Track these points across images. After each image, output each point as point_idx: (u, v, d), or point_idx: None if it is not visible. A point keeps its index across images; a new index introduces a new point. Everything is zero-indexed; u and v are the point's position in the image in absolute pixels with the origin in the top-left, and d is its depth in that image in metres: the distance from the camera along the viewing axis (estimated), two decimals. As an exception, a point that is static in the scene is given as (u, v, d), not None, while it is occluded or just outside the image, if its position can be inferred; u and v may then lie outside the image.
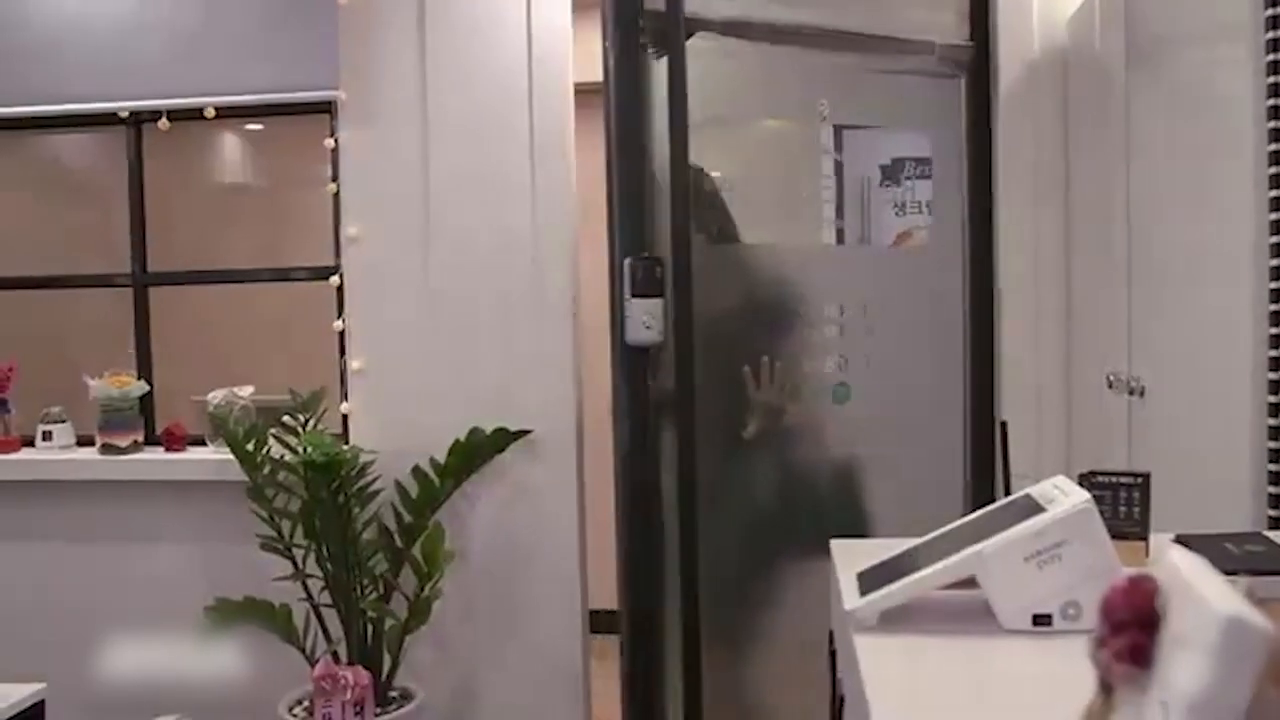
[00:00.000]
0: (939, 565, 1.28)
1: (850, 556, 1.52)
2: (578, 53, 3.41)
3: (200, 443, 3.62)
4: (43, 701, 2.32)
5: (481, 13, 3.38)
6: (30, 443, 3.72)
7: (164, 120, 3.58)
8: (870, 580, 1.36)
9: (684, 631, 2.68)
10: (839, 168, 3.21)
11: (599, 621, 3.60)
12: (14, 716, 2.18)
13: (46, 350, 3.84)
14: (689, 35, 2.69)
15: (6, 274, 3.87)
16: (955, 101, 3.10)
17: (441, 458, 3.27)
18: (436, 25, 3.40)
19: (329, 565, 3.18)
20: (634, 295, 2.58)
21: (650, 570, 2.69)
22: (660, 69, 2.67)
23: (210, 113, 3.52)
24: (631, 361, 2.61)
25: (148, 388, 3.67)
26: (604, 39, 2.69)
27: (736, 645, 3.08)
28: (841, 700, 1.47)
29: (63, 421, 3.71)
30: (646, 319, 2.52)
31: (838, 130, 3.16)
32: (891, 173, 3.24)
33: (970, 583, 1.29)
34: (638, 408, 2.62)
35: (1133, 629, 0.74)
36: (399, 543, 3.25)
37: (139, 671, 3.50)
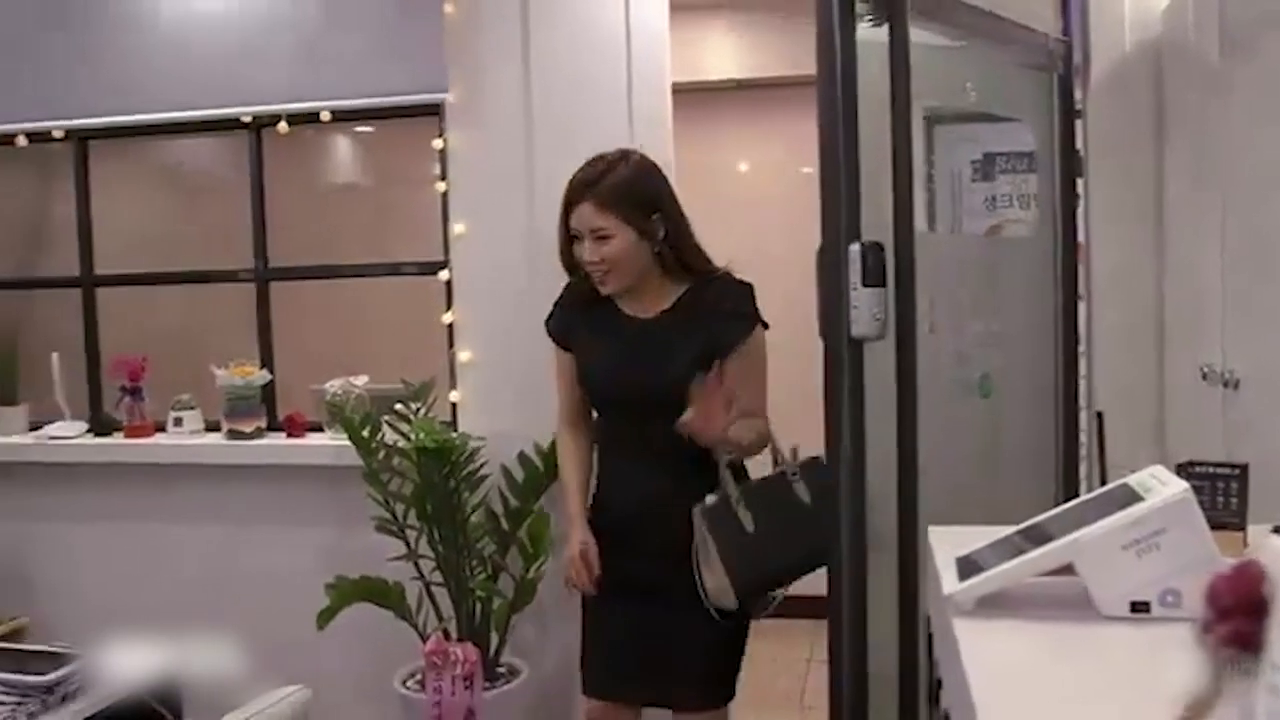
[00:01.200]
0: (1037, 552, 1.27)
1: (948, 542, 1.52)
2: (674, 53, 3.42)
3: (319, 429, 3.70)
4: (179, 671, 2.40)
5: (582, 15, 3.40)
6: (162, 428, 3.84)
7: (283, 124, 3.67)
8: (969, 565, 1.35)
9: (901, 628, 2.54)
10: (930, 158, 3.18)
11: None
12: (152, 684, 2.26)
13: (176, 342, 3.96)
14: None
15: (140, 270, 4.01)
16: (1046, 95, 3.05)
17: (546, 445, 3.31)
18: (539, 28, 3.43)
19: (440, 546, 3.24)
20: (865, 285, 2.23)
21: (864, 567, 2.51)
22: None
23: (326, 116, 3.60)
24: (854, 356, 2.26)
25: (270, 377, 3.76)
26: (818, 12, 2.25)
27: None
28: (939, 683, 1.47)
29: (192, 408, 3.82)
30: (877, 310, 2.22)
31: (929, 122, 3.14)
32: (984, 166, 3.20)
33: (1068, 570, 1.28)
34: (857, 405, 2.28)
35: (1239, 615, 0.73)
36: (506, 526, 3.29)
37: (261, 645, 3.59)
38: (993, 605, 1.29)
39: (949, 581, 1.33)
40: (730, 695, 2.58)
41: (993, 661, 1.15)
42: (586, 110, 3.39)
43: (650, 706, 2.66)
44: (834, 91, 2.23)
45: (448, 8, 3.43)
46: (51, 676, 2.06)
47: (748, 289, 2.52)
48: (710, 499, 2.41)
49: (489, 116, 3.47)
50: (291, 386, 3.81)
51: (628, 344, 2.53)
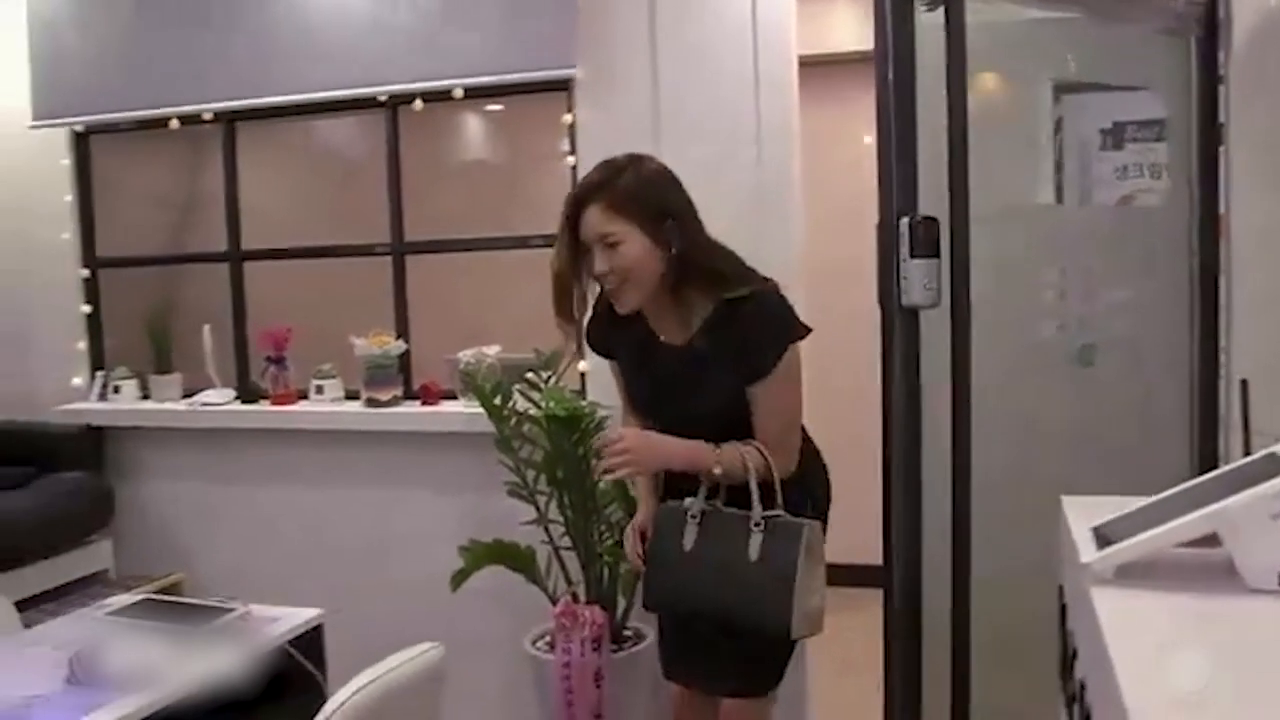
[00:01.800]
0: (1181, 520, 1.23)
1: (1083, 512, 1.47)
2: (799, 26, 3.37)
3: (453, 397, 3.76)
4: (321, 625, 2.47)
5: (709, -11, 3.38)
6: (305, 396, 3.96)
7: (418, 102, 3.73)
8: (1107, 534, 1.31)
9: (954, 594, 2.54)
10: (1059, 128, 3.09)
11: (850, 575, 3.53)
12: (297, 638, 2.33)
13: (318, 313, 4.05)
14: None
15: (283, 245, 4.12)
16: (1183, 62, 2.92)
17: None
18: (666, 3, 3.41)
19: (569, 512, 3.26)
20: (913, 256, 2.35)
21: (918, 534, 2.55)
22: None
23: (459, 94, 3.64)
24: (907, 324, 2.38)
25: (405, 347, 3.84)
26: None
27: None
28: (1074, 653, 1.43)
29: (332, 377, 3.92)
30: (928, 281, 2.33)
31: (1057, 90, 3.04)
32: (1114, 135, 3.09)
33: (1211, 541, 1.23)
34: (911, 372, 2.46)
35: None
36: (633, 492, 3.30)
37: (397, 604, 3.68)
38: (1133, 575, 1.25)
39: (1087, 550, 1.29)
40: (770, 685, 2.45)
41: (1134, 633, 1.12)
42: (713, 84, 3.37)
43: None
44: (888, 71, 2.33)
45: (577, -17, 3.44)
46: (206, 628, 2.13)
47: (781, 312, 2.31)
48: (684, 502, 2.32)
49: (616, 92, 3.47)
50: (427, 356, 3.88)
51: (664, 374, 2.38)
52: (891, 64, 2.28)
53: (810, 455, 2.44)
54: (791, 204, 3.39)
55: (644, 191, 2.25)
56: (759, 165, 3.35)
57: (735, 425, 2.28)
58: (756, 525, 2.21)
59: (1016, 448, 3.04)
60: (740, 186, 3.33)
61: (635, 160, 2.30)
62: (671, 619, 2.52)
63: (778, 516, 2.22)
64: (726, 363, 2.27)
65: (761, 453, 2.25)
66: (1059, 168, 3.05)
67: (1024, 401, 3.12)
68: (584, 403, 3.35)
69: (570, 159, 3.55)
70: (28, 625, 2.64)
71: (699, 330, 2.31)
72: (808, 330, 2.32)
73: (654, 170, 2.31)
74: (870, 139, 5.10)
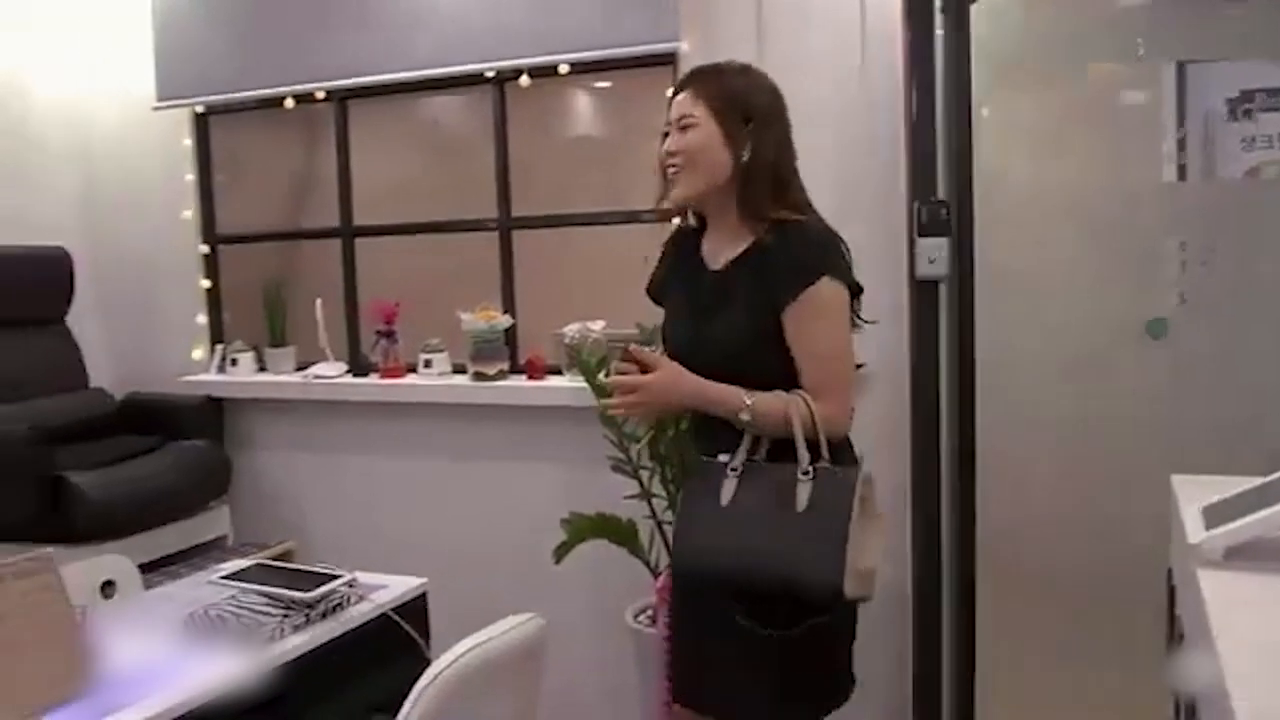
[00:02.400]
0: (1296, 501, 1.16)
1: (1193, 492, 1.41)
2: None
3: (558, 372, 3.78)
4: (425, 594, 2.50)
5: (814, -39, 3.31)
6: (413, 369, 4.01)
7: (524, 78, 3.74)
8: (1216, 515, 1.26)
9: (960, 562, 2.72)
10: (1182, 102, 3.00)
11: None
12: (402, 605, 2.36)
13: (427, 288, 4.10)
14: None
15: (393, 221, 4.18)
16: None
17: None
18: (771, -25, 3.36)
19: (672, 486, 3.25)
20: (921, 235, 2.69)
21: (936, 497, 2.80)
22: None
23: (564, 69, 3.64)
24: (920, 294, 2.76)
25: (512, 321, 3.86)
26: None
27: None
28: (1181, 637, 1.37)
29: (440, 351, 3.97)
30: (933, 256, 2.64)
31: (1181, 65, 2.99)
32: (1240, 103, 2.98)
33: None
34: (925, 336, 2.78)
35: None
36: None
37: (501, 575, 3.71)
38: (1243, 556, 1.19)
39: (1195, 531, 1.24)
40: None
41: (1242, 614, 1.07)
42: (817, 57, 3.30)
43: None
44: (912, 75, 2.79)
45: (680, -43, 3.40)
46: (313, 594, 2.17)
47: (821, 242, 2.11)
48: (719, 458, 2.10)
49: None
50: (532, 331, 3.90)
51: (692, 301, 2.23)
52: (909, 63, 2.66)
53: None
54: (899, 172, 3.30)
55: (734, 89, 2.15)
56: (864, 141, 3.27)
57: (743, 365, 2.09)
58: (804, 474, 2.00)
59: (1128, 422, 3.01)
60: (845, 165, 3.26)
61: (748, 67, 2.21)
62: (696, 624, 2.25)
63: (828, 467, 2.02)
64: (748, 292, 2.12)
65: (808, 404, 2.03)
66: (1181, 146, 3.03)
67: (1135, 374, 3.09)
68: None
69: (674, 133, 3.53)
70: (149, 587, 2.73)
71: (741, 254, 2.16)
72: (851, 278, 2.12)
73: (761, 81, 2.20)
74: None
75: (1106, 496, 3.16)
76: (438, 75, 3.81)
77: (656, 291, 2.44)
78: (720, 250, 2.21)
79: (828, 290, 2.06)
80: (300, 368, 4.23)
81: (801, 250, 2.08)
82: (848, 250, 2.14)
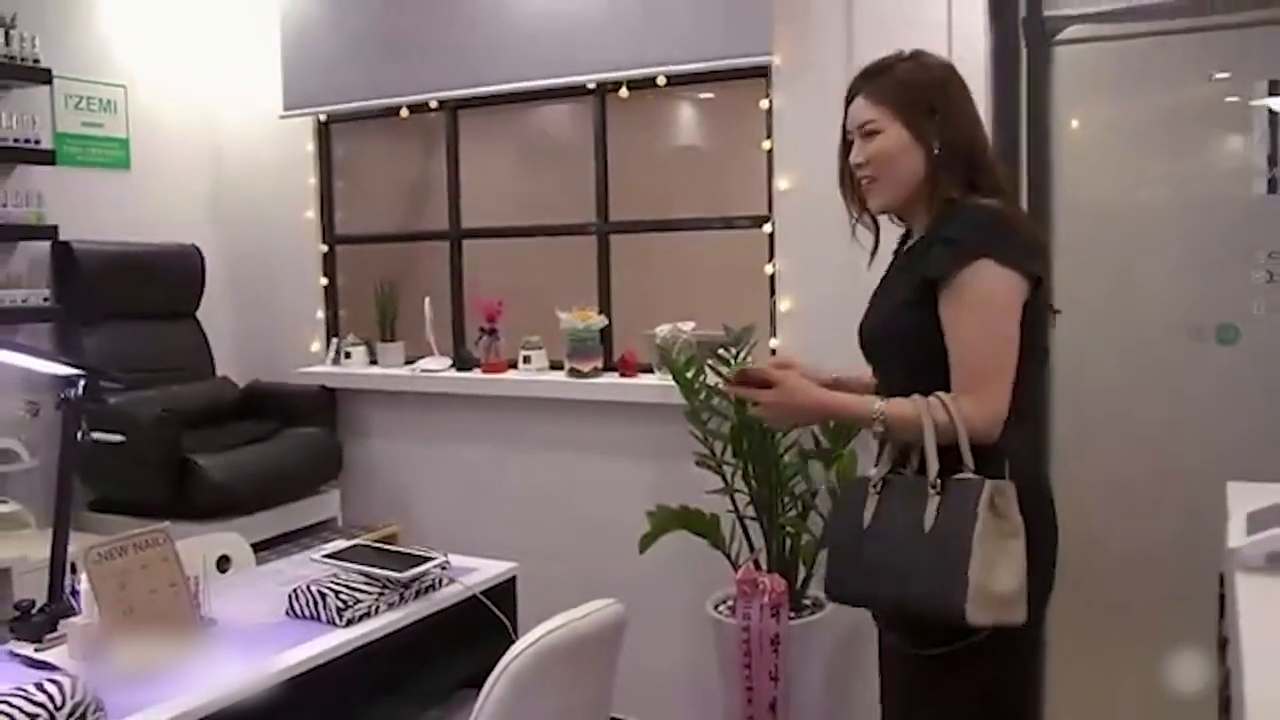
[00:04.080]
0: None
1: (1246, 497, 1.35)
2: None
3: (649, 370, 3.77)
4: (514, 578, 2.51)
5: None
6: (514, 365, 4.04)
7: (624, 90, 3.74)
8: (1261, 520, 1.19)
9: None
10: (1274, 118, 2.94)
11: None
12: (491, 588, 2.38)
13: (528, 288, 4.12)
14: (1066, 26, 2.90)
15: (498, 225, 4.21)
16: None
17: (858, 391, 3.23)
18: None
19: (754, 482, 3.23)
20: None
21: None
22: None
23: (661, 81, 3.64)
24: None
25: (607, 321, 3.87)
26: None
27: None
28: (1225, 642, 1.31)
29: (539, 348, 3.99)
30: None
31: (1273, 83, 2.95)
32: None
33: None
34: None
35: None
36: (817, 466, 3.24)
37: (588, 562, 3.72)
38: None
39: (1237, 535, 1.18)
40: None
41: (1273, 622, 1.00)
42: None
43: None
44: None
45: (773, -29, 3.37)
46: (407, 574, 2.19)
47: (983, 221, 1.85)
48: (869, 472, 1.89)
49: (813, 76, 3.38)
50: (627, 330, 3.90)
51: (878, 291, 2.06)
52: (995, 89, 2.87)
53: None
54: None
55: (912, 83, 1.95)
56: None
57: (907, 355, 1.90)
58: (932, 488, 1.75)
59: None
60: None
61: (917, 54, 2.01)
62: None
63: (961, 478, 1.74)
64: (909, 277, 1.92)
65: (946, 407, 1.77)
66: (1272, 161, 2.98)
67: (1203, 379, 2.99)
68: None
69: (766, 142, 3.50)
70: (261, 564, 2.80)
71: (914, 243, 1.99)
72: (1028, 264, 1.82)
73: (932, 64, 1.99)
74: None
75: (1176, 498, 3.07)
76: (542, 87, 3.83)
77: None
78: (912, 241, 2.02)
79: (988, 274, 1.79)
80: (408, 361, 4.29)
81: (960, 229, 1.84)
82: (1031, 234, 1.91)
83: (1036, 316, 1.86)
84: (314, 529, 4.10)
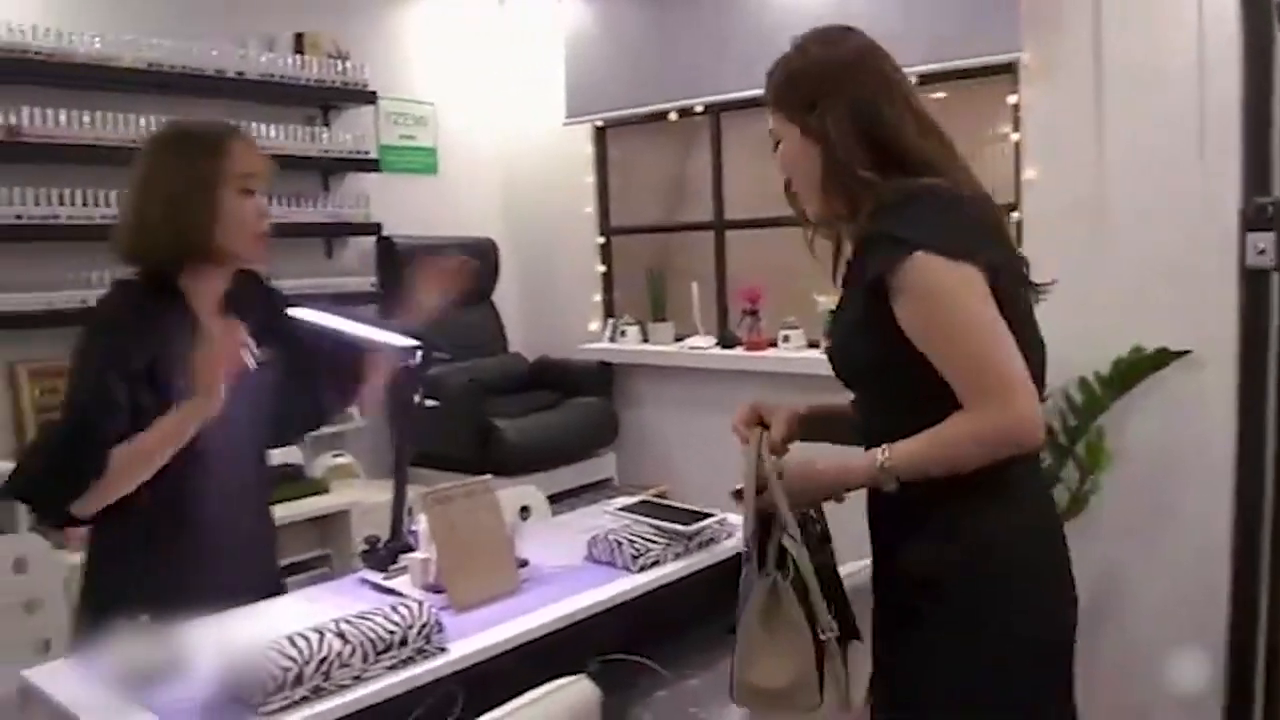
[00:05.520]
0: None
1: None
2: None
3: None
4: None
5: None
6: (774, 344, 4.17)
7: (872, 89, 3.77)
8: None
9: None
10: None
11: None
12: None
13: (786, 274, 4.21)
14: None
15: (759, 216, 4.36)
16: None
17: (1106, 372, 3.19)
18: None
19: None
20: (1249, 229, 2.55)
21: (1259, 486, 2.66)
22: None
23: (913, 80, 3.64)
24: (1250, 285, 2.60)
25: (858, 304, 3.92)
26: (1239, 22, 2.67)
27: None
28: None
29: (797, 329, 4.10)
30: (1260, 247, 2.50)
31: None
32: None
33: None
34: (1257, 329, 2.62)
35: None
36: (1063, 441, 3.22)
37: (839, 522, 3.78)
38: None
39: None
40: None
41: None
42: (1157, 61, 3.15)
43: None
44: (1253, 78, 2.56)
45: (1021, -29, 3.34)
46: (692, 527, 2.35)
47: (907, 198, 1.49)
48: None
49: (1061, 71, 3.34)
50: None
51: (836, 306, 1.73)
52: (1247, 79, 2.61)
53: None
54: (1231, 171, 3.10)
55: (789, 79, 1.67)
56: (1202, 156, 3.07)
57: (871, 374, 1.60)
58: (760, 568, 1.66)
59: None
60: (1178, 160, 3.11)
61: (804, 39, 1.71)
62: None
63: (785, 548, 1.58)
64: (855, 283, 1.57)
65: (966, 427, 1.42)
66: None
67: None
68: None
69: (1014, 135, 3.48)
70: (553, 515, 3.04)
71: (853, 251, 1.62)
72: (963, 246, 1.44)
73: (820, 50, 1.68)
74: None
75: None
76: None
77: None
78: None
79: (924, 266, 1.44)
80: (677, 339, 4.50)
81: (882, 218, 1.50)
82: (977, 212, 1.56)
83: (1012, 309, 1.48)
84: (593, 487, 4.37)
